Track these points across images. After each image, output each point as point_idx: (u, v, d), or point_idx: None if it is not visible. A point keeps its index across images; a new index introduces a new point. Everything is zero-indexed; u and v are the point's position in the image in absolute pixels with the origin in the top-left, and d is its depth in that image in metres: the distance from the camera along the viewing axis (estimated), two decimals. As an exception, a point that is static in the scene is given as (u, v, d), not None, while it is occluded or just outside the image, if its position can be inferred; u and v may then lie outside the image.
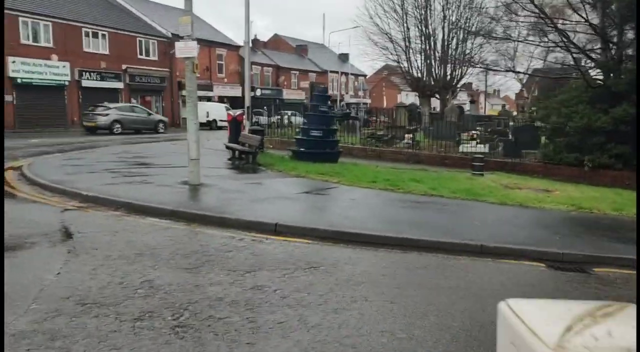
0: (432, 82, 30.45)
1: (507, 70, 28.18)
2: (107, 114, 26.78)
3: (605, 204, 9.58)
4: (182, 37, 9.93)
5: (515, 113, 43.12)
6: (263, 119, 24.83)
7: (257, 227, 7.01)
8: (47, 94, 29.54)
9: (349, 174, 11.99)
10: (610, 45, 15.15)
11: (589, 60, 17.65)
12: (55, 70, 29.87)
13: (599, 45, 16.50)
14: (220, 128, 32.97)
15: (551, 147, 14.71)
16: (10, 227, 6.46)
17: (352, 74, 62.50)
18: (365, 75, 67.25)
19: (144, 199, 8.25)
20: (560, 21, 16.89)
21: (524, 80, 45.11)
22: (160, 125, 29.99)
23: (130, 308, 4.08)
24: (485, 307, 4.59)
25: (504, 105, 52.75)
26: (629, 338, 1.14)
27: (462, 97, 57.48)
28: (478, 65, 28.92)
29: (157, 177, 10.92)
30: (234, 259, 5.60)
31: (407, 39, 29.87)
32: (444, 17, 29.28)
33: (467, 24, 28.82)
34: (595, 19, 15.62)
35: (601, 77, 15.99)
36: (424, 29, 29.58)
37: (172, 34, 35.77)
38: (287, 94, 52.20)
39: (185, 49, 9.64)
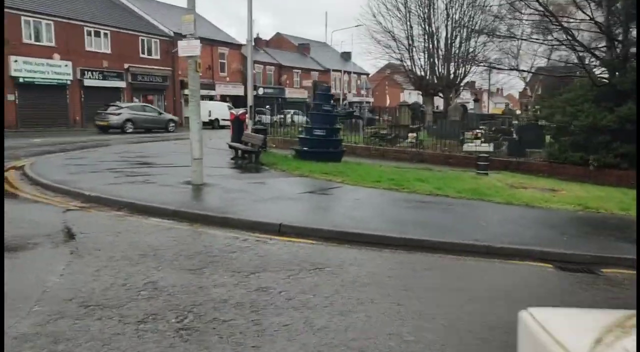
0: (436, 81, 30.34)
1: (511, 69, 28.12)
2: (119, 113, 27.09)
3: (612, 204, 9.49)
4: (184, 36, 9.86)
5: (519, 112, 42.99)
6: (265, 118, 24.78)
7: (261, 227, 6.95)
8: (49, 93, 29.54)
9: (352, 173, 11.92)
10: (616, 43, 15.04)
11: (593, 59, 17.54)
12: (57, 70, 29.85)
13: (604, 44, 16.39)
14: (223, 127, 32.94)
15: (556, 146, 14.61)
16: (13, 228, 6.42)
17: (354, 73, 62.42)
18: (367, 74, 67.14)
19: (146, 199, 8.20)
20: (564, 19, 16.79)
21: (528, 79, 44.98)
22: (171, 124, 30.13)
23: (133, 310, 4.03)
24: (494, 309, 4.53)
25: (507, 104, 52.61)
26: None
27: (465, 96, 57.33)
28: (482, 64, 28.81)
29: (160, 176, 10.87)
30: (238, 260, 5.54)
31: (410, 37, 29.77)
32: (448, 15, 29.17)
33: (471, 23, 28.72)
34: (600, 17, 15.52)
35: (606, 76, 15.89)
36: (427, 27, 29.47)
37: (174, 32, 35.72)
38: (290, 93, 52.12)
39: (188, 48, 9.58)
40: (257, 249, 6.00)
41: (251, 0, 16.74)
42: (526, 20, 19.46)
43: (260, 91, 44.91)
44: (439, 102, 35.96)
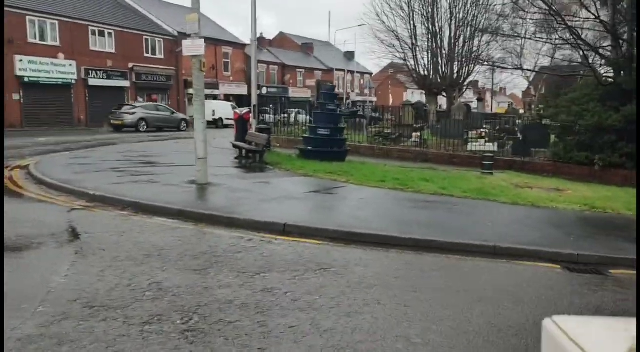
0: (439, 80, 30.25)
1: (514, 68, 27.98)
2: (133, 113, 27.50)
3: (619, 204, 9.42)
4: (188, 35, 9.84)
5: (522, 111, 42.86)
6: (269, 118, 24.74)
7: (266, 227, 6.92)
8: (54, 92, 29.60)
9: (357, 173, 11.88)
10: (621, 42, 14.94)
11: (598, 58, 17.44)
12: (61, 69, 29.89)
13: (609, 43, 16.30)
14: (226, 126, 32.91)
15: (561, 145, 14.53)
16: (17, 227, 6.40)
17: (357, 72, 62.31)
18: (371, 73, 67.05)
19: (151, 198, 8.17)
20: (568, 18, 16.70)
21: (531, 78, 44.80)
22: (183, 123, 30.25)
23: (138, 311, 4.00)
24: (502, 310, 4.48)
25: (510, 104, 52.44)
26: None
27: (469, 95, 57.21)
28: (486, 63, 28.71)
29: (164, 176, 10.85)
30: (243, 260, 5.51)
31: (413, 36, 29.66)
32: (451, 14, 29.08)
33: (474, 22, 28.62)
34: (605, 16, 15.42)
35: (612, 75, 15.79)
36: (430, 26, 29.36)
37: (178, 32, 35.75)
38: (293, 92, 52.07)
39: (193, 47, 9.55)
40: (262, 249, 5.96)
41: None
42: (530, 19, 19.39)
43: (264, 91, 44.87)
44: (442, 101, 35.81)
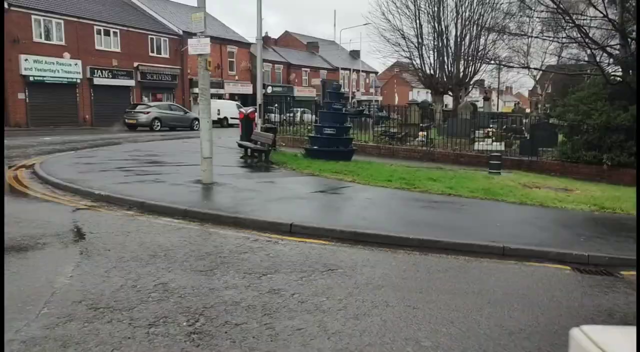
0: (445, 79, 30.14)
1: (521, 67, 27.83)
2: (148, 112, 27.90)
3: (629, 204, 9.30)
4: (194, 34, 9.80)
5: (528, 110, 42.66)
6: (274, 117, 24.69)
7: (272, 227, 6.86)
8: (59, 91, 29.67)
9: (363, 172, 11.81)
10: (630, 40, 14.79)
11: (605, 56, 17.29)
12: (67, 68, 29.96)
13: (616, 41, 16.14)
14: (231, 126, 32.92)
15: (569, 145, 14.40)
16: (22, 227, 6.38)
17: (363, 71, 62.21)
18: (376, 73, 66.91)
19: (156, 198, 8.13)
20: (575, 16, 16.54)
21: (538, 77, 44.59)
22: (196, 123, 30.19)
23: (144, 313, 3.95)
24: (512, 312, 4.41)
25: (517, 103, 52.19)
26: None
27: (475, 95, 56.99)
28: (492, 62, 28.57)
29: (170, 175, 10.82)
30: (249, 261, 5.45)
31: (419, 35, 29.57)
32: (457, 13, 28.96)
33: (481, 20, 28.48)
34: (612, 15, 15.26)
35: (620, 74, 15.64)
36: (436, 25, 29.27)
37: (183, 31, 35.76)
38: (298, 92, 52.01)
39: (199, 46, 9.50)
40: (268, 250, 5.91)
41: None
42: (537, 17, 19.25)
43: (269, 90, 44.83)
44: (447, 100, 35.71)
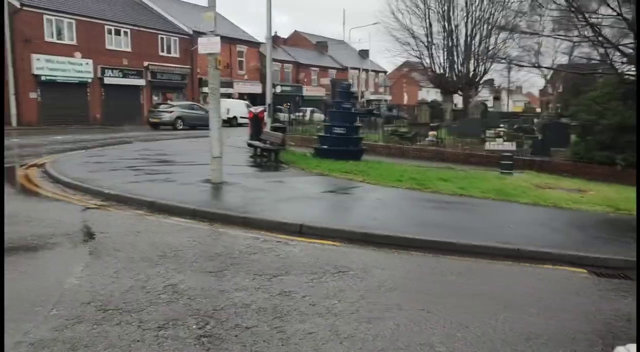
0: (455, 79, 29.93)
1: (533, 66, 27.53)
2: (171, 111, 28.69)
3: (644, 205, 9.13)
4: (204, 34, 9.76)
5: (538, 110, 42.31)
6: (283, 116, 24.66)
7: (282, 228, 6.80)
8: (70, 91, 29.80)
9: (373, 172, 11.72)
10: (644, 39, 14.54)
11: (618, 56, 17.03)
12: (78, 68, 30.09)
13: (630, 40, 15.89)
14: (240, 125, 32.91)
15: (582, 145, 14.23)
16: (33, 227, 6.38)
17: (372, 71, 61.99)
18: (385, 72, 66.66)
19: (166, 197, 8.10)
20: (588, 15, 16.31)
21: (549, 76, 44.17)
22: None
23: (153, 315, 3.89)
24: (528, 317, 4.30)
25: (527, 102, 51.83)
26: None
27: (484, 94, 56.59)
28: (503, 61, 28.30)
29: (180, 175, 10.79)
30: (260, 262, 5.39)
31: (429, 34, 29.39)
32: (467, 12, 28.75)
33: (491, 19, 28.26)
34: (626, 13, 15.02)
35: (633, 73, 15.39)
36: (446, 24, 29.08)
37: (193, 30, 35.80)
38: (307, 91, 51.94)
39: (209, 45, 9.46)
40: (278, 251, 5.84)
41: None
42: (549, 15, 19.00)
43: (278, 89, 44.82)
44: (457, 100, 35.44)
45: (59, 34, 29.44)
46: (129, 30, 33.56)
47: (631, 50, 15.44)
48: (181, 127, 28.42)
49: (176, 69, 36.95)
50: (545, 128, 17.96)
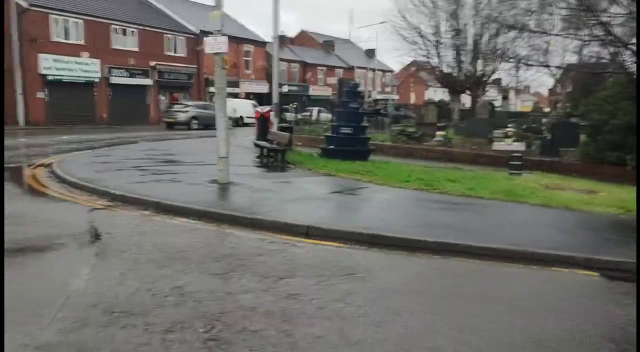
0: (463, 78, 29.77)
1: (541, 65, 27.24)
2: (186, 111, 29.32)
3: (656, 207, 9.00)
4: (210, 33, 9.72)
5: (547, 109, 42.01)
6: (290, 116, 24.62)
7: (289, 229, 6.75)
8: (77, 90, 29.94)
9: (380, 172, 11.64)
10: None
11: (629, 55, 16.83)
12: (85, 67, 30.22)
13: (641, 39, 15.71)
14: (247, 125, 32.92)
15: (592, 145, 14.06)
16: (40, 227, 6.38)
17: (379, 70, 61.85)
18: (392, 71, 66.49)
19: (172, 198, 8.07)
20: (597, 13, 16.14)
21: (558, 76, 43.81)
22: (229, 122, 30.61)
23: (160, 318, 3.85)
24: (538, 321, 4.22)
25: (536, 102, 51.45)
26: None
27: (492, 94, 56.28)
28: (512, 60, 28.05)
29: (186, 175, 10.77)
30: (266, 263, 5.34)
31: (437, 33, 29.25)
32: (476, 11, 28.56)
33: (500, 18, 28.04)
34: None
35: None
36: (454, 23, 28.91)
37: (200, 30, 35.84)
38: (314, 91, 51.91)
39: (216, 45, 9.41)
40: (285, 253, 5.79)
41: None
42: (558, 14, 18.83)
43: (285, 89, 44.77)
44: (465, 99, 35.25)
45: (66, 33, 29.59)
46: (135, 30, 33.66)
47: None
48: (196, 126, 28.79)
49: (183, 69, 37.03)
50: (555, 128, 17.77)
